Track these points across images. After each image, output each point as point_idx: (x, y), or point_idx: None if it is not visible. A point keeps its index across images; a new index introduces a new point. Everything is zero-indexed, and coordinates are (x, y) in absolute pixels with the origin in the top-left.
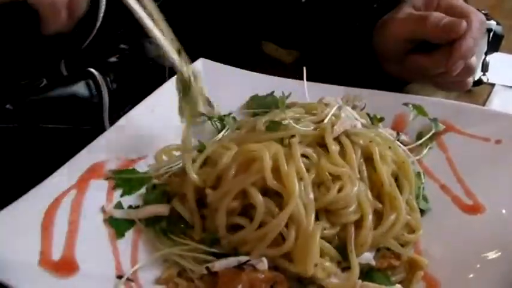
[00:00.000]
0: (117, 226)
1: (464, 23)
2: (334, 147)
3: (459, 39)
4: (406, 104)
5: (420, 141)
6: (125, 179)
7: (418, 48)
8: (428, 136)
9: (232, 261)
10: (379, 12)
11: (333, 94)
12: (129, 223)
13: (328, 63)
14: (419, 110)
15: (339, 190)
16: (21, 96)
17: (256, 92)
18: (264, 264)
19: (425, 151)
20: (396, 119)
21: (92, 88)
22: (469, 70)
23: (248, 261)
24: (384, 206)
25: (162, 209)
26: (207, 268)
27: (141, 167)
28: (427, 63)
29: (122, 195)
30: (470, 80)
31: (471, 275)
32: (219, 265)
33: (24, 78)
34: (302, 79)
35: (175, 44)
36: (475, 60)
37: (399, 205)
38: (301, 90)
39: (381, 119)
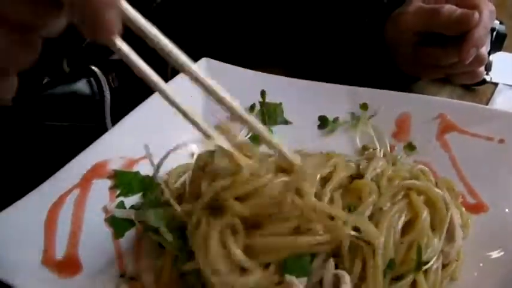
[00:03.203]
0: (118, 226)
1: (476, 14)
2: None
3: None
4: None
5: None
6: (125, 181)
7: (427, 40)
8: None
9: None
10: (389, 8)
11: (336, 94)
12: (130, 223)
13: (334, 62)
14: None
15: None
16: (23, 94)
17: (261, 92)
18: None
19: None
20: (399, 118)
21: (93, 86)
22: (481, 59)
23: None
24: None
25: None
26: None
27: (144, 167)
28: (440, 54)
29: (117, 196)
30: (482, 70)
31: (474, 274)
32: None
33: (26, 75)
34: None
35: None
36: (486, 50)
37: None
38: (306, 90)
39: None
